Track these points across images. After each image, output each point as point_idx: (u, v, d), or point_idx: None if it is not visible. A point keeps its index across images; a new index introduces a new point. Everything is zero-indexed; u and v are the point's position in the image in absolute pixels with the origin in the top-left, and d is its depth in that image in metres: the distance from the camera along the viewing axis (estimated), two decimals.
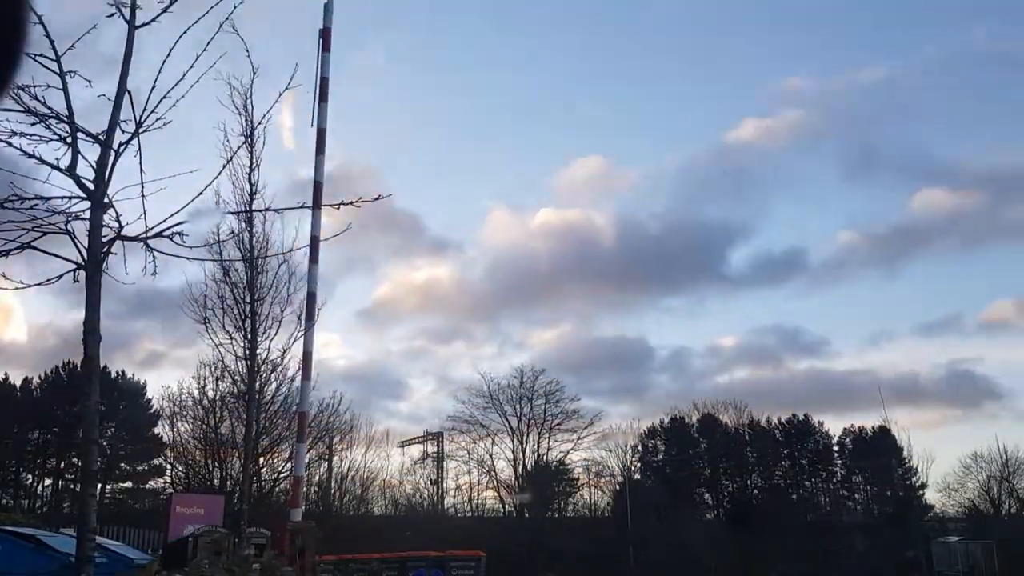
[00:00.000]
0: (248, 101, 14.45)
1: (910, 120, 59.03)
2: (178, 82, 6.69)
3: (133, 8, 6.61)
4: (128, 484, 44.76)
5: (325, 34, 17.24)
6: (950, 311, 74.49)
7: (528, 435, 44.85)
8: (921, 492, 46.61)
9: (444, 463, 45.84)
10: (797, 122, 57.77)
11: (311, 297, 16.19)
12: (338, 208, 7.92)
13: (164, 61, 6.69)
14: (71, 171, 6.39)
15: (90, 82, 6.44)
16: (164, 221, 6.73)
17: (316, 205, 15.66)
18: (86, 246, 6.44)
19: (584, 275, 50.67)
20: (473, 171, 69.21)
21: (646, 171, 69.40)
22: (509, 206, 70.55)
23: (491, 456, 45.31)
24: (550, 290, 56.12)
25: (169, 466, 41.11)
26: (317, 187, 16.54)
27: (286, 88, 8.86)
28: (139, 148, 6.66)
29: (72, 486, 42.37)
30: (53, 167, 6.38)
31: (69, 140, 6.41)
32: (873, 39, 61.21)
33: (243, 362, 15.78)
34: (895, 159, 57.69)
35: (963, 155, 65.53)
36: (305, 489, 36.58)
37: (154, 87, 6.61)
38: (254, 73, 13.55)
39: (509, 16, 64.54)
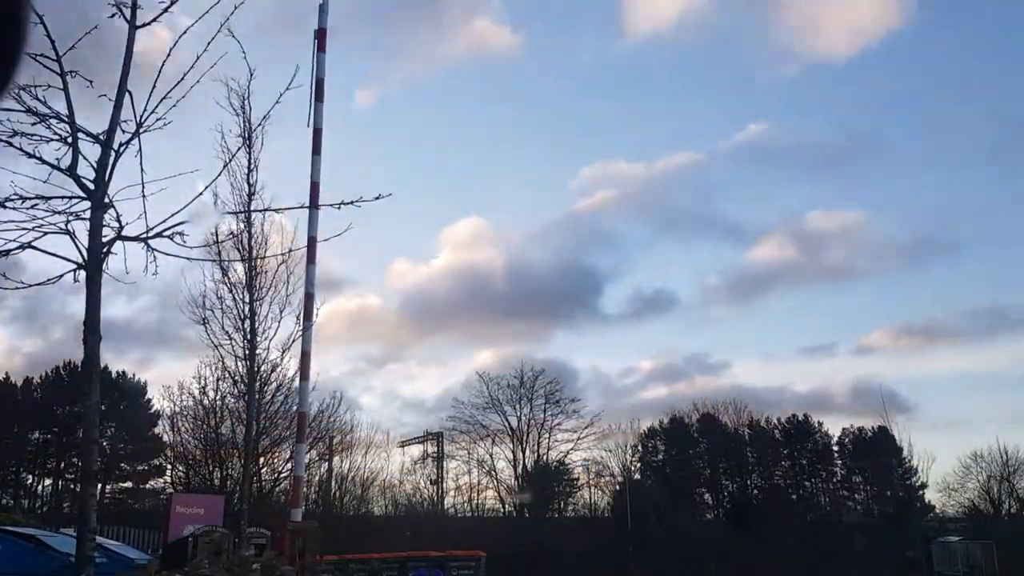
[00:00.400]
0: (246, 102, 14.47)
1: (718, 192, 74.40)
2: (178, 82, 6.70)
3: (134, 8, 6.61)
4: (128, 484, 44.78)
5: (320, 34, 17.21)
6: (820, 339, 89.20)
7: (528, 435, 44.94)
8: (921, 492, 46.65)
9: (444, 463, 45.92)
10: (631, 196, 71.62)
11: (309, 298, 16.19)
12: (338, 208, 7.93)
13: (164, 61, 6.70)
14: (71, 171, 6.39)
15: (91, 82, 6.44)
16: (164, 221, 6.74)
17: (314, 205, 15.66)
18: (86, 246, 6.45)
19: (484, 310, 63.94)
20: (379, 228, 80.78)
21: (521, 230, 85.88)
22: (409, 255, 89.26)
23: (491, 456, 45.41)
24: (464, 322, 68.26)
25: (169, 466, 41.14)
26: (314, 187, 16.52)
27: (286, 89, 8.87)
28: (140, 148, 6.67)
29: (72, 486, 42.39)
30: (54, 167, 6.38)
31: (70, 140, 6.41)
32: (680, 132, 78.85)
33: (243, 362, 15.79)
34: (719, 222, 72.56)
35: (771, 220, 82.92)
36: (305, 489, 36.59)
37: (154, 87, 6.62)
38: (251, 74, 13.56)
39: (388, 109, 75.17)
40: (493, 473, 45.49)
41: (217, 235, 14.04)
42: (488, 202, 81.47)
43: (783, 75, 73.92)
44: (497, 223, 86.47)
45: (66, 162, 6.39)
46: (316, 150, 16.75)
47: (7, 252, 6.39)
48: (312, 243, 16.18)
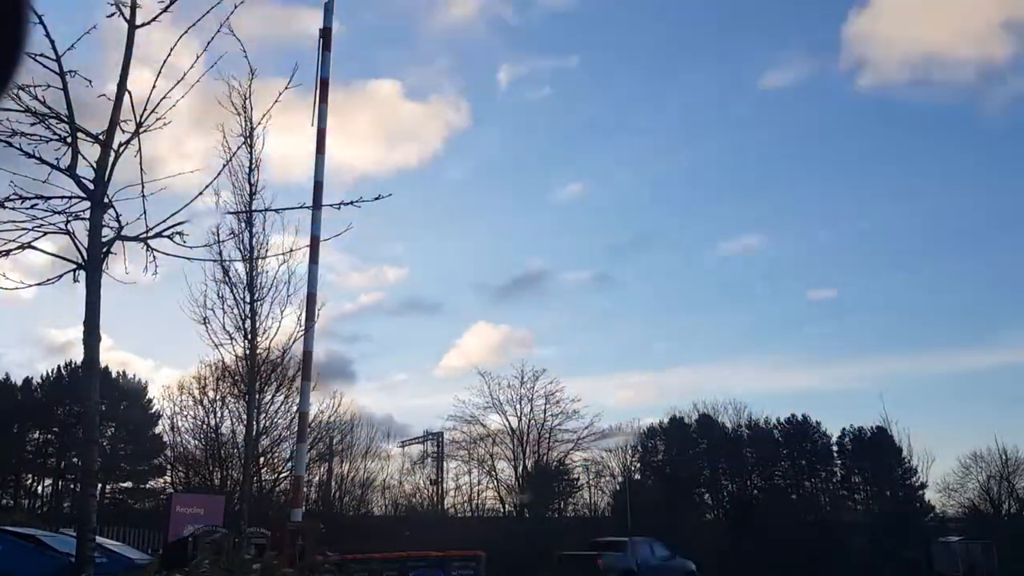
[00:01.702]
0: (247, 101, 14.46)
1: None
2: (178, 82, 6.71)
3: (133, 8, 6.61)
4: (128, 484, 44.75)
5: (325, 33, 17.20)
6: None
7: (528, 435, 44.88)
8: (921, 492, 46.66)
9: (444, 463, 45.89)
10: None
11: (311, 298, 16.21)
12: (339, 208, 7.94)
13: (164, 61, 6.70)
14: (71, 171, 6.39)
15: (90, 82, 6.44)
16: (164, 221, 6.74)
17: (316, 205, 15.68)
18: (86, 246, 6.44)
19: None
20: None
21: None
22: None
23: (491, 456, 45.33)
24: None
25: (169, 466, 41.12)
26: (317, 187, 16.54)
27: (286, 88, 8.88)
28: (139, 148, 6.67)
29: (72, 486, 42.36)
30: (53, 167, 6.38)
31: (69, 140, 6.41)
32: None
33: (243, 362, 15.78)
34: None
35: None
36: (306, 489, 36.59)
37: (154, 87, 6.62)
38: (252, 73, 13.55)
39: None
40: (493, 473, 45.50)
41: (218, 235, 14.06)
42: None
43: None
44: None
45: (66, 162, 6.39)
46: (320, 149, 16.77)
47: (7, 252, 6.39)
48: (315, 242, 16.18)
